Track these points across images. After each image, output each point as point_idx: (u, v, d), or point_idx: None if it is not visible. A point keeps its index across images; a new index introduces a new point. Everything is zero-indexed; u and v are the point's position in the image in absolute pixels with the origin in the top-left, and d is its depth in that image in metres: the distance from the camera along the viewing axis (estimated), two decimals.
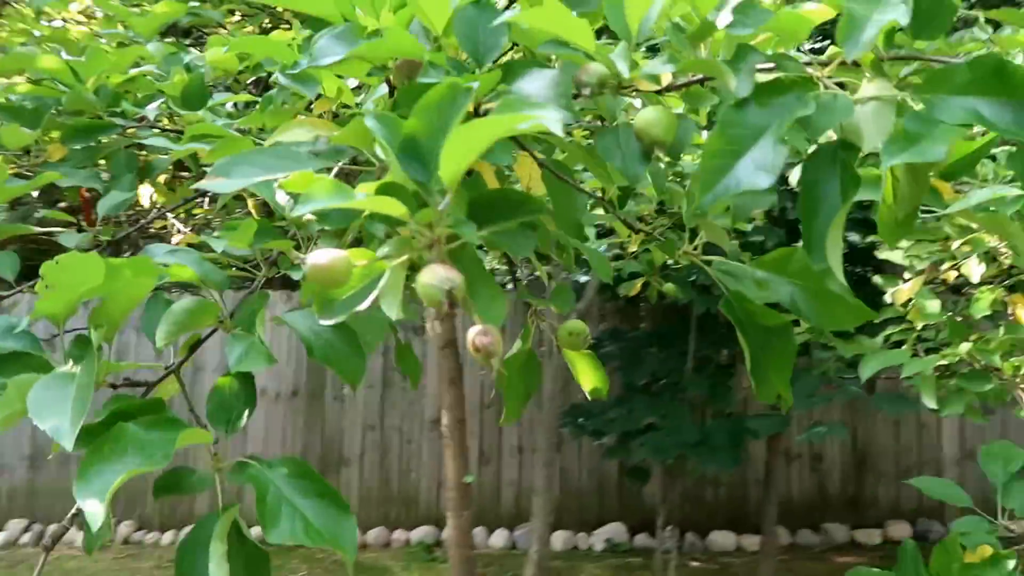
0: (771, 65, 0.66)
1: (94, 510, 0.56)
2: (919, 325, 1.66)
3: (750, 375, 0.79)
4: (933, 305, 1.54)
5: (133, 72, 1.31)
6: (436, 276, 0.54)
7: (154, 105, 1.30)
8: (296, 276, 0.86)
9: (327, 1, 0.82)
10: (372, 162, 0.82)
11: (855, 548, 4.87)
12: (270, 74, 1.56)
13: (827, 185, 0.64)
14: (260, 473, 0.73)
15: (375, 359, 5.44)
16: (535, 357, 1.05)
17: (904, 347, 1.69)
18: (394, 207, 0.56)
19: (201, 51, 1.64)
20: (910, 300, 1.62)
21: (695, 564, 4.79)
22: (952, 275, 1.57)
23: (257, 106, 1.22)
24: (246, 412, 0.76)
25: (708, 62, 0.63)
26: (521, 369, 1.04)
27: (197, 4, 1.93)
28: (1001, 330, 1.50)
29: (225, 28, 2.19)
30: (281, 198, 0.68)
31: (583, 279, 5.34)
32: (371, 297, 0.60)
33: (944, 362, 1.51)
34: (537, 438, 5.56)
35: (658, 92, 0.76)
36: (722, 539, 5.02)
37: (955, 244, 1.49)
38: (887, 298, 1.71)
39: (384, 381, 5.44)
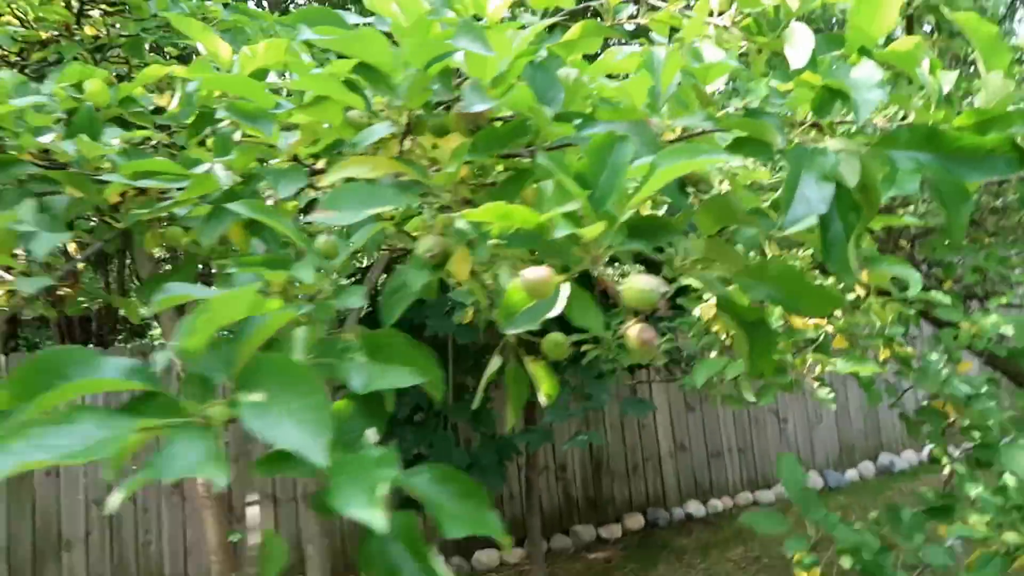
0: None
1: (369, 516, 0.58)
2: (724, 335, 2.07)
3: (744, 358, 1.02)
4: None
5: (23, 103, 1.18)
6: (650, 282, 0.67)
7: (50, 136, 1.18)
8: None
9: (385, 52, 0.90)
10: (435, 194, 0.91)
11: (601, 544, 5.45)
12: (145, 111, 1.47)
13: (831, 210, 0.89)
14: None
15: None
16: (523, 367, 1.18)
17: (714, 353, 2.09)
18: (597, 231, 0.68)
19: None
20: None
21: None
22: None
23: (207, 143, 1.19)
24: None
25: (754, 122, 0.84)
26: (515, 379, 1.16)
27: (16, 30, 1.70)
28: (785, 334, 1.95)
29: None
30: (462, 225, 0.75)
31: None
32: (559, 307, 0.71)
33: None
34: (292, 485, 5.37)
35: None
36: (486, 557, 5.28)
37: None
38: (695, 313, 2.10)
39: None
